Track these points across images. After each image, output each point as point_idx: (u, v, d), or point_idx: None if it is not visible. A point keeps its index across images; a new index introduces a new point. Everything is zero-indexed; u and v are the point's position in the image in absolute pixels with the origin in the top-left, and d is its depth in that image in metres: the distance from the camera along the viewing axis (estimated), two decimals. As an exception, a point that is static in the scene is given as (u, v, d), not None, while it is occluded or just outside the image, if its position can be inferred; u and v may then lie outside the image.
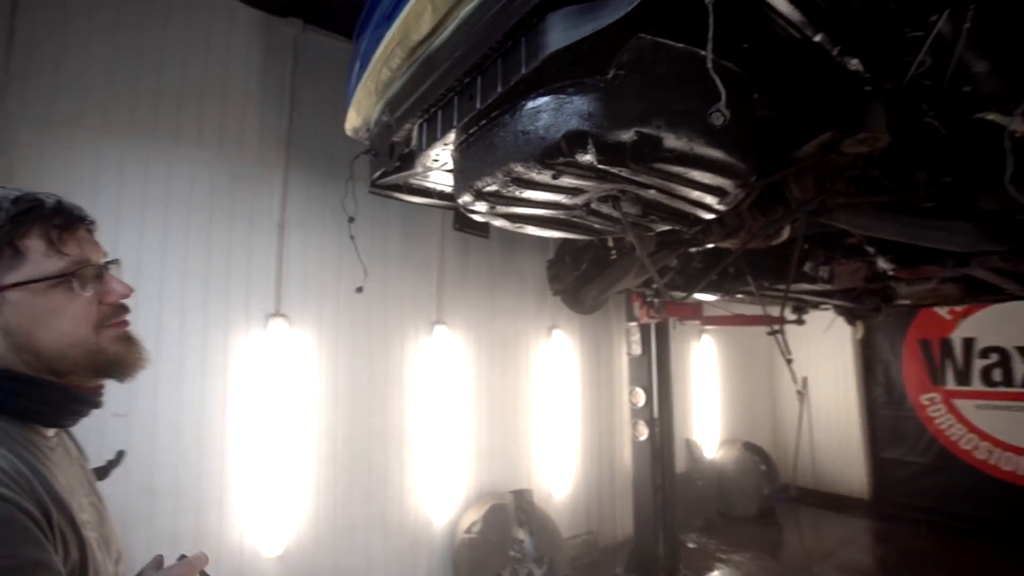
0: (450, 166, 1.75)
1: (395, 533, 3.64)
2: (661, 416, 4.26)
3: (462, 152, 1.52)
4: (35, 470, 0.65)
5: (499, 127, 1.32)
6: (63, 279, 0.69)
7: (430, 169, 1.87)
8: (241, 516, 3.14)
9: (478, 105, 1.33)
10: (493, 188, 1.40)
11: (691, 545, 4.94)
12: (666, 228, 1.72)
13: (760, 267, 2.91)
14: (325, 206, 3.52)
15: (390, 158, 1.96)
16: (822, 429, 6.39)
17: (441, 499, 3.82)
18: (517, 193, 1.41)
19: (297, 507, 3.30)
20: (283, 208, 3.46)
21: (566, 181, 1.35)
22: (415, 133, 1.73)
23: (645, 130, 1.12)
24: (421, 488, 3.78)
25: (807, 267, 2.72)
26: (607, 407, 5.02)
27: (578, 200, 1.53)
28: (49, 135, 2.84)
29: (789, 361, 2.67)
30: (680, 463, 5.23)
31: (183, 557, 0.80)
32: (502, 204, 1.52)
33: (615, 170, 1.23)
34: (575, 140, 1.13)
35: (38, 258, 0.68)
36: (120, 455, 2.58)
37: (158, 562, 0.84)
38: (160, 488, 2.95)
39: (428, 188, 2.30)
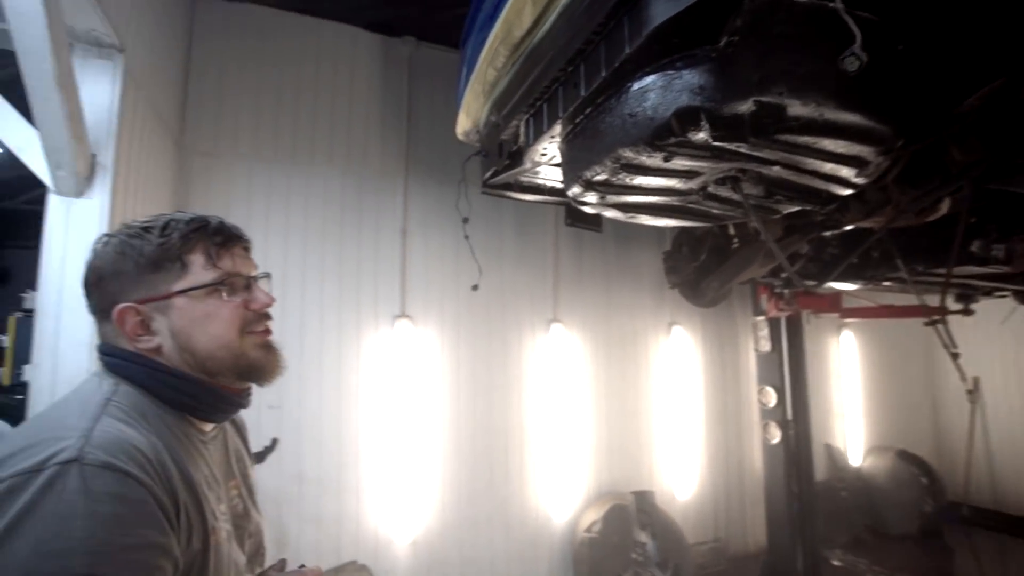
0: (558, 159, 1.75)
1: (517, 528, 3.72)
2: (796, 418, 3.90)
3: (569, 143, 1.51)
4: (178, 460, 0.71)
5: (605, 113, 1.29)
6: (216, 287, 0.79)
7: (539, 164, 1.89)
8: (376, 504, 3.40)
9: (583, 93, 1.32)
10: (602, 177, 1.38)
11: (835, 562, 4.46)
12: (795, 209, 1.58)
13: (912, 249, 2.53)
14: (442, 210, 3.70)
15: (500, 157, 2.01)
16: (1002, 439, 5.44)
17: (561, 497, 3.83)
18: (627, 180, 1.38)
19: (425, 498, 3.49)
20: (405, 214, 3.70)
21: (679, 163, 1.29)
22: (522, 129, 1.76)
23: (765, 99, 1.03)
24: (541, 485, 3.82)
25: (975, 246, 2.31)
26: (734, 407, 4.71)
27: (693, 184, 1.46)
28: (213, 165, 3.32)
29: (955, 356, 2.31)
30: (820, 470, 4.75)
31: (303, 567, 0.87)
32: (612, 193, 1.49)
33: (733, 147, 1.15)
34: (687, 117, 1.07)
35: (198, 270, 0.78)
36: (274, 443, 2.94)
37: (281, 565, 0.91)
38: (307, 474, 3.29)
39: (538, 184, 2.32)
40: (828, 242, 2.82)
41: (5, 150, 2.24)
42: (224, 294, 0.79)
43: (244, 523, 0.89)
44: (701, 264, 3.25)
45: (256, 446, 2.87)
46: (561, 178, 1.77)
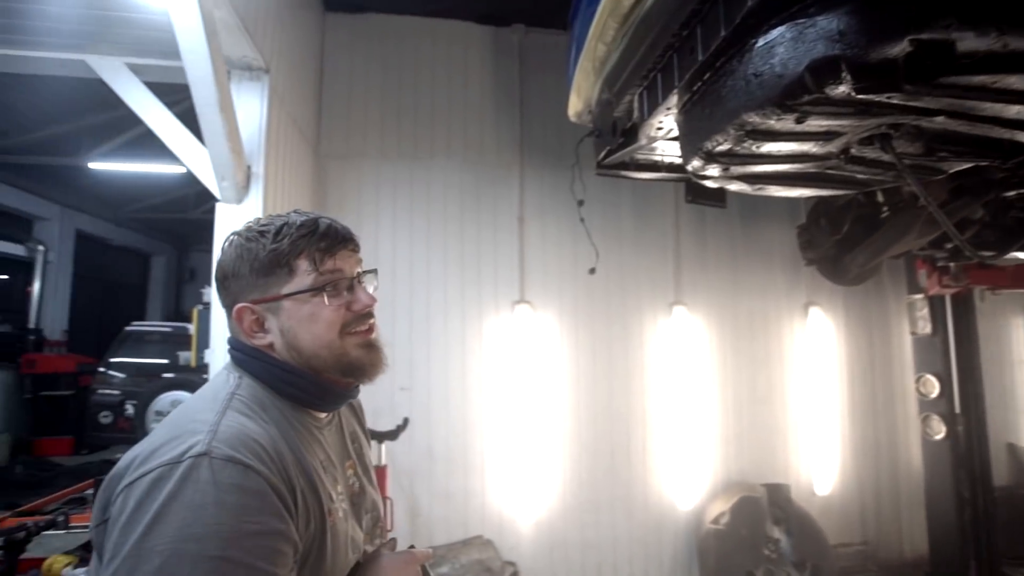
0: (675, 132, 1.66)
1: (639, 513, 3.66)
2: (966, 412, 3.38)
3: (687, 114, 1.43)
4: (294, 449, 0.77)
5: (726, 76, 1.20)
6: (318, 291, 0.82)
7: (655, 139, 1.81)
8: (501, 483, 3.53)
9: (700, 57, 1.23)
10: (725, 147, 1.28)
11: (1025, 581, 3.80)
12: (965, 167, 1.35)
13: None
14: (558, 196, 3.69)
15: (613, 136, 1.95)
16: None
17: (685, 484, 3.69)
18: (754, 148, 1.27)
19: (547, 480, 3.55)
20: (521, 202, 3.76)
21: (814, 124, 1.16)
22: (635, 104, 1.69)
23: (926, 36, 0.88)
24: (664, 471, 3.71)
25: None
26: (885, 396, 4.19)
27: (832, 147, 1.30)
28: (345, 167, 3.62)
29: None
30: (999, 474, 4.06)
31: (412, 547, 0.90)
32: (737, 164, 1.39)
33: (883, 98, 1.00)
34: (823, 70, 0.95)
35: (303, 275, 0.82)
36: (405, 422, 3.16)
37: (392, 545, 0.95)
38: (436, 451, 3.50)
39: (655, 161, 2.23)
40: (1011, 204, 2.38)
41: (187, 170, 2.64)
42: (326, 297, 0.82)
43: (361, 500, 0.93)
44: (844, 237, 2.92)
45: (389, 425, 3.13)
46: (679, 152, 1.68)
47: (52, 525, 2.09)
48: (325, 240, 0.83)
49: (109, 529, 0.65)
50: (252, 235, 0.83)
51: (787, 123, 1.13)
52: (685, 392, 3.75)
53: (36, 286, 7.56)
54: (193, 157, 2.40)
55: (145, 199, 9.14)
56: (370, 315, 0.88)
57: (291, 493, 0.71)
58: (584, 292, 3.74)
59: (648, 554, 3.65)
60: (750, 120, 1.12)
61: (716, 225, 3.98)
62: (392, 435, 3.00)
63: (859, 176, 1.46)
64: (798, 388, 4.00)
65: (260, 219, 0.87)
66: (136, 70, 2.45)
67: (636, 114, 1.72)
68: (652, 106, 1.55)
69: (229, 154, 2.28)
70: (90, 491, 2.56)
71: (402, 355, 3.54)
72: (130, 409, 6.57)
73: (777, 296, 4.07)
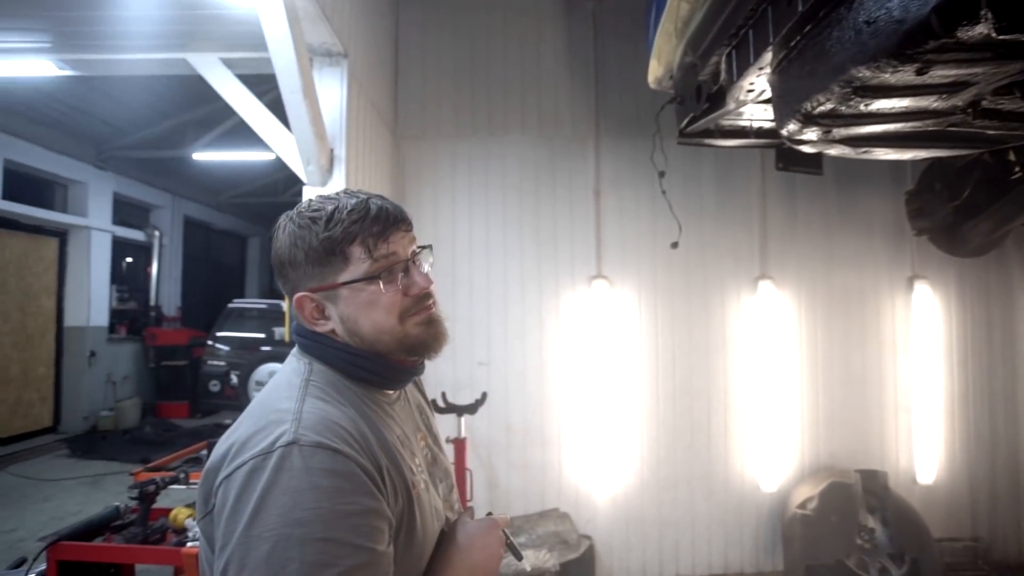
0: (768, 94, 1.53)
1: (719, 493, 3.55)
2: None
3: (782, 73, 1.30)
4: (374, 427, 0.78)
5: (831, 27, 1.07)
6: (374, 279, 0.80)
7: (743, 103, 1.68)
8: (577, 457, 3.54)
9: (800, 7, 1.11)
10: (827, 107, 1.16)
11: None
12: None
13: None
14: (635, 168, 3.57)
15: (697, 102, 1.84)
16: None
17: (769, 465, 3.53)
18: (862, 107, 1.14)
19: (624, 456, 3.53)
20: (597, 174, 3.67)
21: (939, 75, 1.02)
22: (723, 66, 1.57)
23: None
24: (747, 451, 3.57)
25: None
26: (1005, 380, 3.76)
27: (958, 100, 1.15)
28: (421, 147, 3.68)
29: None
30: None
31: (490, 514, 0.90)
32: (841, 125, 1.26)
33: (1029, 39, 0.86)
34: (955, 8, 0.83)
35: (357, 262, 0.80)
36: (483, 396, 3.23)
37: (471, 513, 0.96)
38: (514, 425, 3.56)
39: (742, 127, 2.08)
40: None
41: (276, 156, 2.79)
42: (382, 284, 0.81)
43: (435, 469, 0.95)
44: (963, 204, 2.61)
45: (468, 399, 3.21)
46: (771, 116, 1.56)
47: (175, 481, 2.34)
48: (377, 224, 0.81)
49: (215, 520, 0.68)
50: (304, 222, 0.82)
51: (905, 76, 1.01)
52: (770, 371, 3.56)
53: (154, 267, 8.39)
54: (281, 143, 2.52)
55: (241, 185, 9.84)
56: (429, 295, 0.86)
57: (378, 471, 0.72)
58: (663, 267, 3.61)
59: (728, 535, 3.55)
60: (860, 75, 1.00)
61: (808, 193, 3.69)
62: (471, 409, 3.08)
63: (989, 133, 1.28)
64: (898, 369, 3.68)
65: (311, 202, 0.85)
66: (229, 64, 2.60)
67: (723, 76, 1.61)
68: (742, 67, 1.44)
69: (313, 138, 2.38)
70: (204, 452, 2.84)
71: (480, 331, 3.60)
72: (234, 379, 7.21)
73: (876, 269, 3.73)
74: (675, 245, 2.93)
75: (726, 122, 2.04)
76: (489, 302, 3.63)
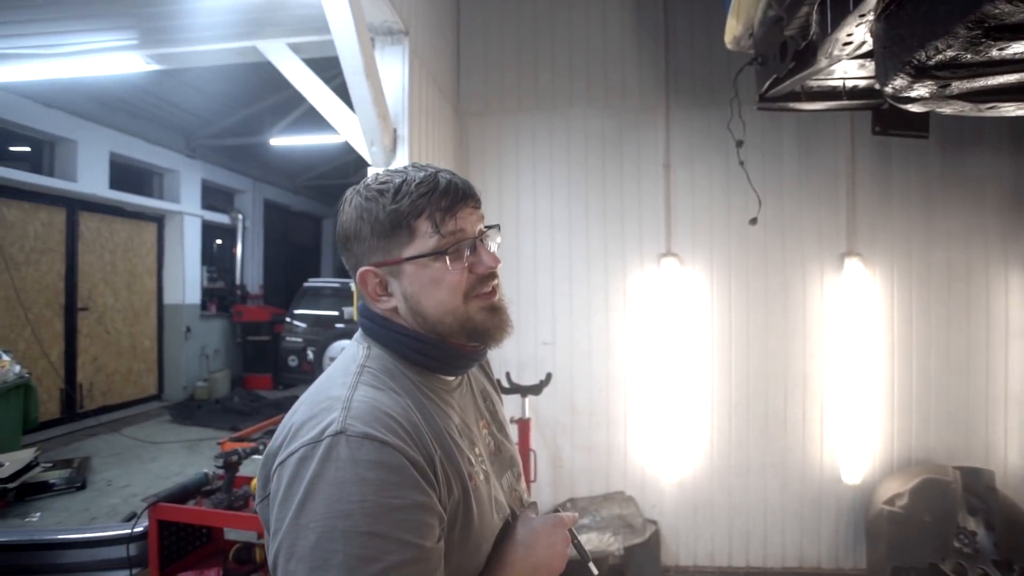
0: (868, 46, 1.35)
1: (795, 482, 3.36)
2: None
3: (889, 18, 1.13)
4: (429, 416, 0.75)
5: (956, -41, 0.91)
6: (440, 255, 0.77)
7: (836, 59, 1.49)
8: (644, 439, 3.45)
9: (917, -61, 0.95)
10: (948, 55, 0.99)
11: None
12: None
13: None
14: (708, 139, 3.36)
15: (782, 61, 1.66)
16: None
17: (853, 456, 3.28)
18: (994, 53, 0.96)
19: (693, 440, 3.40)
20: (667, 147, 3.49)
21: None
22: (814, 17, 1.40)
23: None
24: (827, 440, 3.34)
25: None
26: None
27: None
28: (485, 123, 3.63)
29: None
30: None
31: (558, 510, 0.85)
32: (962, 77, 1.07)
33: None
34: None
35: (424, 237, 0.77)
36: (548, 377, 3.19)
37: (535, 509, 0.90)
38: (578, 405, 3.52)
39: (832, 88, 1.87)
40: None
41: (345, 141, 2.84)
42: (448, 261, 0.78)
43: (498, 458, 0.90)
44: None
45: (533, 379, 3.19)
46: (869, 73, 1.37)
47: (255, 452, 2.48)
48: (446, 199, 0.78)
49: (271, 505, 0.68)
50: (371, 194, 0.79)
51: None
52: (856, 355, 3.28)
53: (239, 249, 8.95)
54: (346, 125, 2.55)
55: (316, 168, 10.25)
56: (494, 276, 0.82)
57: (430, 464, 0.69)
58: (738, 244, 3.40)
59: (804, 527, 3.35)
60: (997, 11, 0.84)
61: (905, 160, 3.32)
62: (535, 390, 3.06)
63: None
64: (1010, 356, 3.28)
65: (379, 175, 0.83)
66: (296, 49, 2.64)
67: (814, 30, 1.43)
68: (838, 16, 1.27)
69: (376, 119, 2.38)
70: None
71: (544, 310, 3.56)
72: (311, 354, 7.60)
73: (987, 244, 3.32)
74: (754, 221, 2.72)
75: (814, 82, 1.84)
76: (554, 281, 3.57)
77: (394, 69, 2.58)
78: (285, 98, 6.74)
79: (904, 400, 3.32)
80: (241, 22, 2.58)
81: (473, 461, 0.79)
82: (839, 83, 1.86)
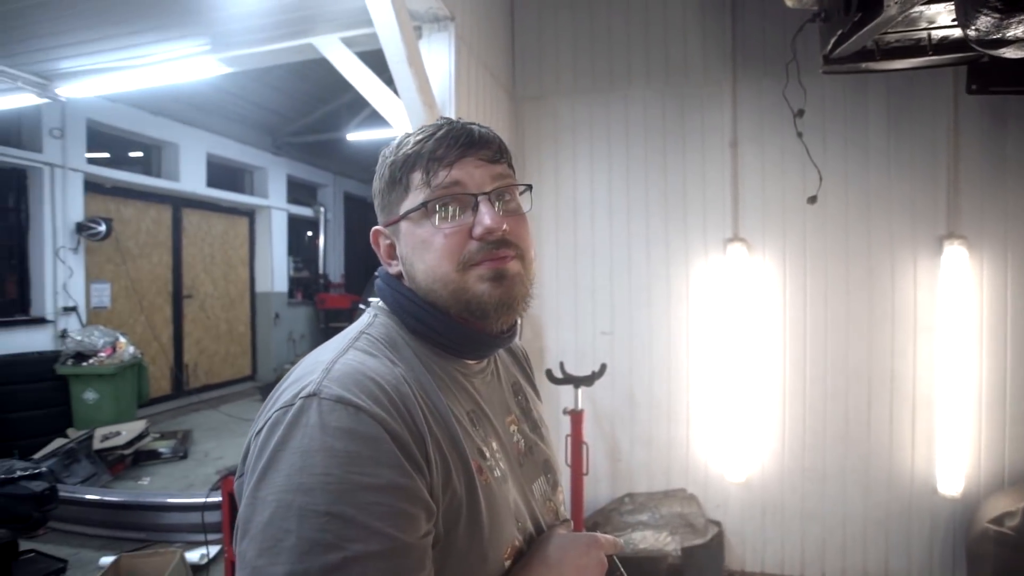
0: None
1: (880, 491, 3.03)
2: None
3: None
4: (429, 393, 0.65)
5: None
6: (425, 210, 0.67)
7: (909, 4, 1.29)
8: (707, 435, 3.26)
9: None
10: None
11: None
12: None
13: None
14: (782, 114, 3.06)
15: (846, 13, 1.46)
16: None
17: (952, 466, 2.91)
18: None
19: (761, 438, 3.17)
20: (734, 124, 3.24)
21: None
22: (877, -41, 1.21)
23: None
24: (919, 446, 2.98)
25: None
26: None
27: None
28: (540, 107, 3.55)
29: None
30: None
31: (597, 532, 0.73)
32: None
33: None
34: None
35: (416, 190, 0.68)
36: (602, 368, 3.09)
37: (568, 526, 0.78)
38: (638, 397, 3.38)
39: (916, 41, 1.63)
40: None
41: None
42: (437, 218, 0.67)
43: (529, 460, 0.79)
44: None
45: (585, 370, 3.10)
46: (958, 18, 1.17)
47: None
48: (441, 147, 0.67)
49: (245, 479, 0.60)
50: (386, 152, 0.72)
51: None
52: (956, 353, 2.89)
53: (321, 240, 9.48)
54: (396, 116, 2.58)
55: (390, 162, 10.60)
56: (504, 242, 0.67)
57: (419, 442, 0.58)
58: (814, 228, 3.10)
59: (890, 541, 3.02)
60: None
61: (1022, 126, 2.86)
62: (587, 381, 2.98)
63: None
64: None
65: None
66: (348, 42, 2.71)
67: (878, -27, 1.24)
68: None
69: (422, 107, 2.38)
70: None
71: (602, 299, 3.44)
72: (382, 340, 7.92)
73: None
74: (813, 199, 2.43)
75: (892, 36, 1.61)
76: (612, 268, 3.44)
77: (440, 56, 2.57)
78: (357, 95, 6.97)
79: (1019, 406, 2.89)
80: (295, 20, 2.68)
81: (487, 454, 0.69)
82: (923, 35, 1.61)
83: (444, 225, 0.67)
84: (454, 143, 0.68)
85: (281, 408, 0.57)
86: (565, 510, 0.83)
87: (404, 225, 0.70)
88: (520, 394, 0.86)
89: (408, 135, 0.73)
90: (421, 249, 0.68)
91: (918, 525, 2.99)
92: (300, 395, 0.57)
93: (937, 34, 1.55)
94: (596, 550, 0.70)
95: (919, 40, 1.59)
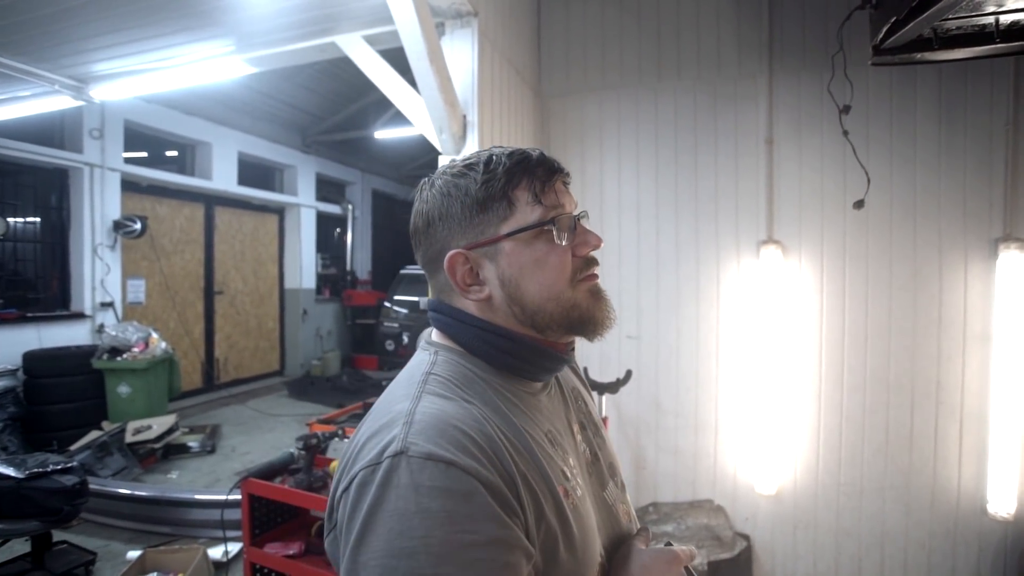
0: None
1: (922, 509, 2.86)
2: None
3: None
4: (509, 424, 0.65)
5: None
6: (545, 228, 0.69)
7: (971, -9, 1.16)
8: (736, 446, 3.14)
9: None
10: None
11: None
12: None
13: None
14: (819, 107, 2.91)
15: (900, 1, 1.34)
16: None
17: (1002, 484, 2.72)
18: None
19: (794, 450, 3.03)
20: (770, 121, 3.09)
21: None
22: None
23: None
24: (967, 462, 2.80)
25: None
26: None
27: None
28: (567, 104, 3.46)
29: None
30: None
31: (669, 544, 0.71)
32: None
33: None
34: None
35: (524, 209, 0.69)
36: (628, 375, 2.99)
37: (645, 538, 0.76)
38: (664, 404, 3.27)
39: (982, 28, 1.49)
40: None
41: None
42: (555, 234, 0.68)
43: (596, 468, 0.79)
44: None
45: (610, 376, 3.01)
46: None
47: (334, 436, 2.59)
48: (542, 168, 0.70)
49: (337, 538, 0.61)
50: (459, 171, 0.71)
51: None
52: (1012, 362, 2.69)
53: (349, 237, 9.56)
54: (418, 115, 2.53)
55: (417, 159, 10.62)
56: (595, 260, 0.73)
57: (511, 486, 0.58)
58: (854, 229, 2.93)
59: (933, 562, 2.85)
60: None
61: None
62: (612, 388, 2.89)
63: None
64: None
65: (457, 159, 0.75)
66: (370, 40, 2.67)
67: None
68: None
69: (443, 105, 2.33)
70: (360, 410, 3.13)
71: (629, 302, 3.34)
72: (406, 339, 7.93)
73: None
74: (860, 204, 2.28)
75: (952, 23, 1.48)
76: (639, 271, 3.34)
77: (463, 53, 2.51)
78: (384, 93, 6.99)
79: (1081, 419, 2.68)
80: (318, 19, 2.65)
81: (569, 475, 0.68)
82: (990, 20, 1.47)
83: (561, 242, 0.69)
84: (551, 167, 0.70)
85: (368, 467, 0.57)
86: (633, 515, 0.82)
87: (508, 245, 0.69)
88: (579, 399, 0.87)
89: (471, 160, 0.72)
90: (533, 268, 0.69)
91: (964, 548, 2.81)
92: (387, 453, 0.57)
93: (1006, 19, 1.41)
94: (676, 565, 0.70)
95: (984, 26, 1.44)
